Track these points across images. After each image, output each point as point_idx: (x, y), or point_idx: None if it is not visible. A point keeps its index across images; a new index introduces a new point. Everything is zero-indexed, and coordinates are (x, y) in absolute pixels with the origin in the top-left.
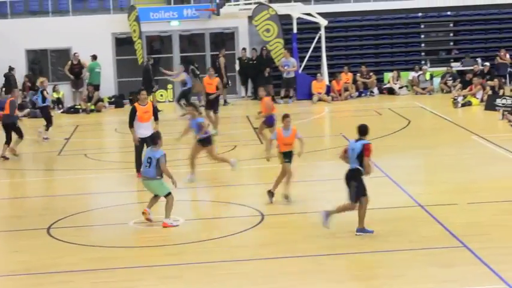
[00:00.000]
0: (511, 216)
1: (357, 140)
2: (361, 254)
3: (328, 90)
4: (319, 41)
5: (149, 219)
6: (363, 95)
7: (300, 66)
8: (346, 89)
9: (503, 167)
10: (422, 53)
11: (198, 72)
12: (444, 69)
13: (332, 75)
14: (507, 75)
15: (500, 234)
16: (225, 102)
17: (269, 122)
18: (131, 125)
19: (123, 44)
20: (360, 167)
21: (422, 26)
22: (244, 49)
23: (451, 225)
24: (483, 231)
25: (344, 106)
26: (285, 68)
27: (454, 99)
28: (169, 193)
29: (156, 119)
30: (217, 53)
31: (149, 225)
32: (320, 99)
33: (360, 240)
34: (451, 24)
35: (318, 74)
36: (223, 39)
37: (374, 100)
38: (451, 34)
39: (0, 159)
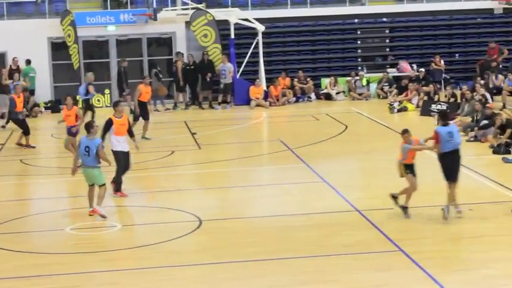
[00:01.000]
0: (445, 221)
1: (444, 125)
2: (297, 258)
3: (266, 96)
4: (256, 47)
5: (103, 215)
6: (300, 100)
7: (238, 71)
8: (283, 95)
9: (438, 171)
10: (359, 59)
11: (161, 76)
12: (380, 75)
13: (270, 81)
14: (442, 81)
15: (435, 238)
16: (175, 106)
17: (72, 131)
18: (103, 137)
19: (59, 48)
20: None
21: (358, 32)
22: (181, 54)
23: (387, 230)
24: (418, 235)
25: (281, 111)
26: (222, 72)
27: (390, 105)
28: (104, 184)
29: (131, 135)
30: (175, 58)
31: (85, 232)
32: (258, 105)
33: (296, 245)
34: (387, 31)
35: (256, 80)
36: (160, 45)
37: (311, 105)
38: (387, 40)
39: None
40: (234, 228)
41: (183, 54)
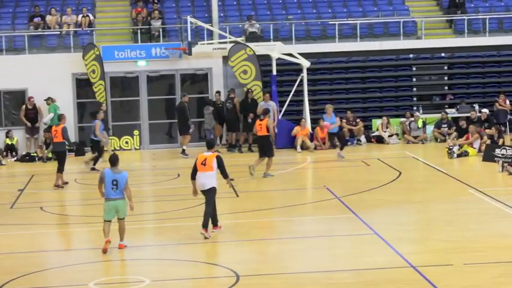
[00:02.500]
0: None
1: None
2: None
3: (311, 138)
4: (300, 84)
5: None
6: (349, 143)
7: (280, 111)
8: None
9: (503, 224)
10: (414, 98)
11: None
12: (438, 115)
13: (315, 122)
14: (507, 123)
15: None
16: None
17: None
18: (226, 175)
19: (85, 85)
20: None
21: (414, 69)
22: (218, 92)
23: None
24: None
25: (328, 155)
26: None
27: (449, 149)
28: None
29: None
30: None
31: (111, 287)
32: (302, 147)
33: None
34: (446, 67)
35: (302, 120)
36: (195, 81)
37: (361, 149)
38: (446, 78)
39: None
40: (275, 285)
41: (218, 92)
